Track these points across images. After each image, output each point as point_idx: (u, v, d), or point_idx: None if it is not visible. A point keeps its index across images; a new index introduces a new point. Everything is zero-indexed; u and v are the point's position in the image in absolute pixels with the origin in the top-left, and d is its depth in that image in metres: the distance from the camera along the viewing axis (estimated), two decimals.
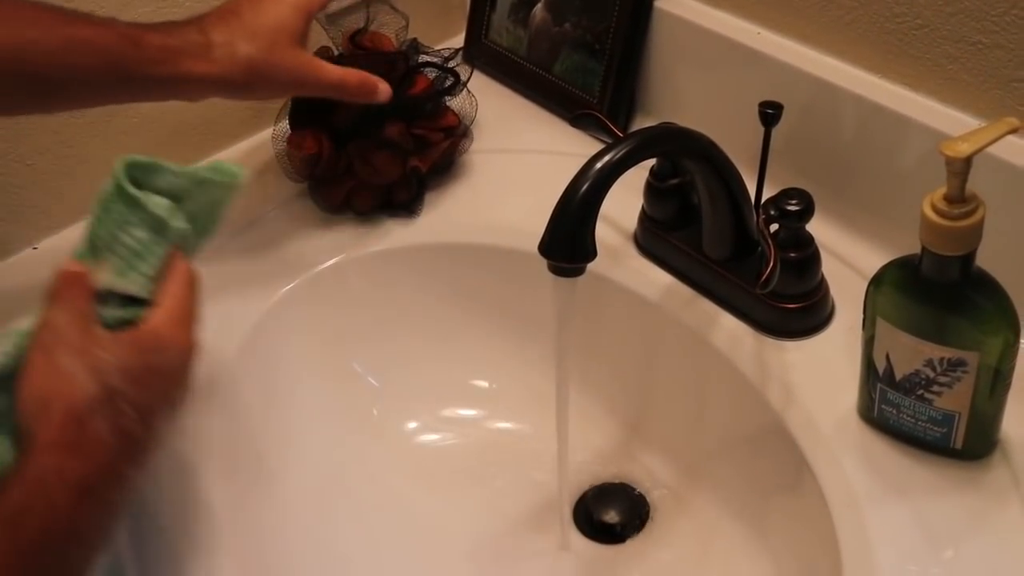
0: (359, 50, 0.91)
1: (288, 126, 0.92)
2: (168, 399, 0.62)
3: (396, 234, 0.91)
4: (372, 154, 0.89)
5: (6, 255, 0.92)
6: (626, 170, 0.68)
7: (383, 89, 0.84)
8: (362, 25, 0.92)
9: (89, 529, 0.56)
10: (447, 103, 0.93)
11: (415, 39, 0.94)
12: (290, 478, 0.84)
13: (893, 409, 0.69)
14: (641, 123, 0.98)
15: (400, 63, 0.89)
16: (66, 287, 0.62)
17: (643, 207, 0.86)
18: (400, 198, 0.92)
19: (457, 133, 0.94)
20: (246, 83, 0.78)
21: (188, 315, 0.65)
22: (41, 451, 0.55)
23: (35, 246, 0.93)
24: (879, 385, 0.69)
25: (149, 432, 0.60)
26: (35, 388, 0.57)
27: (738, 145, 0.78)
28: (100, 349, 0.59)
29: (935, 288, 0.63)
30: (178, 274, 0.66)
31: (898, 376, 0.67)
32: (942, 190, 0.60)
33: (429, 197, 0.94)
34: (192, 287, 0.66)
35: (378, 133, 0.88)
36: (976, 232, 0.60)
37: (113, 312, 0.63)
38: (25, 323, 0.62)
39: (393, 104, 0.85)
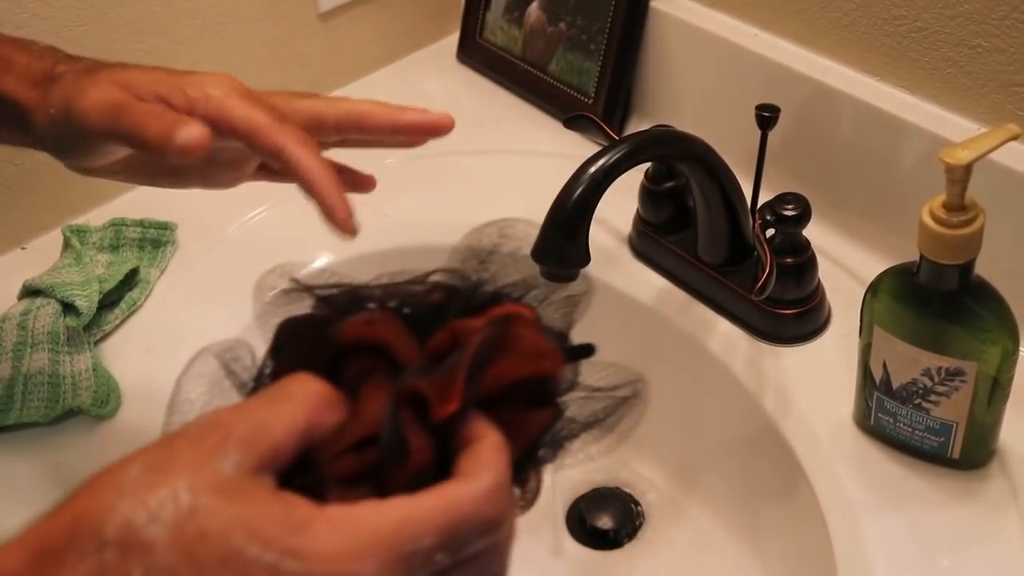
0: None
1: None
2: None
3: (385, 236, 0.90)
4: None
5: None
6: (621, 174, 0.67)
7: (444, 123, 0.59)
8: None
9: None
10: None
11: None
12: None
13: (890, 418, 0.68)
14: (636, 124, 0.98)
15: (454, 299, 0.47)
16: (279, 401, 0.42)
17: (638, 210, 0.85)
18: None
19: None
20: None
21: (414, 542, 0.38)
22: (16, 548, 0.40)
23: (23, 246, 0.92)
24: (876, 393, 0.68)
25: None
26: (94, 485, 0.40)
27: (734, 148, 0.77)
28: (188, 483, 0.38)
29: (933, 296, 0.63)
30: None
31: (895, 385, 0.66)
32: (941, 198, 0.59)
33: (419, 197, 0.93)
34: None
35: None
36: (976, 240, 0.60)
37: None
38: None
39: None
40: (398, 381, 0.41)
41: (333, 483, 0.39)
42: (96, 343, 0.81)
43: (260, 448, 0.38)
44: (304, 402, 0.40)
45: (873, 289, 0.66)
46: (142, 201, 0.91)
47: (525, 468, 0.45)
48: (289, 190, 0.99)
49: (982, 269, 0.62)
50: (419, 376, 0.41)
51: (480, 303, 0.45)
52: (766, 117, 0.76)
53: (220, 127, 0.56)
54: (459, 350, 0.42)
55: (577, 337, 0.80)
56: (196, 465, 0.37)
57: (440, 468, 0.41)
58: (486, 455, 0.40)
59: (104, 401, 0.77)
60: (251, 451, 0.38)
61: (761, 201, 0.77)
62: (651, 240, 0.85)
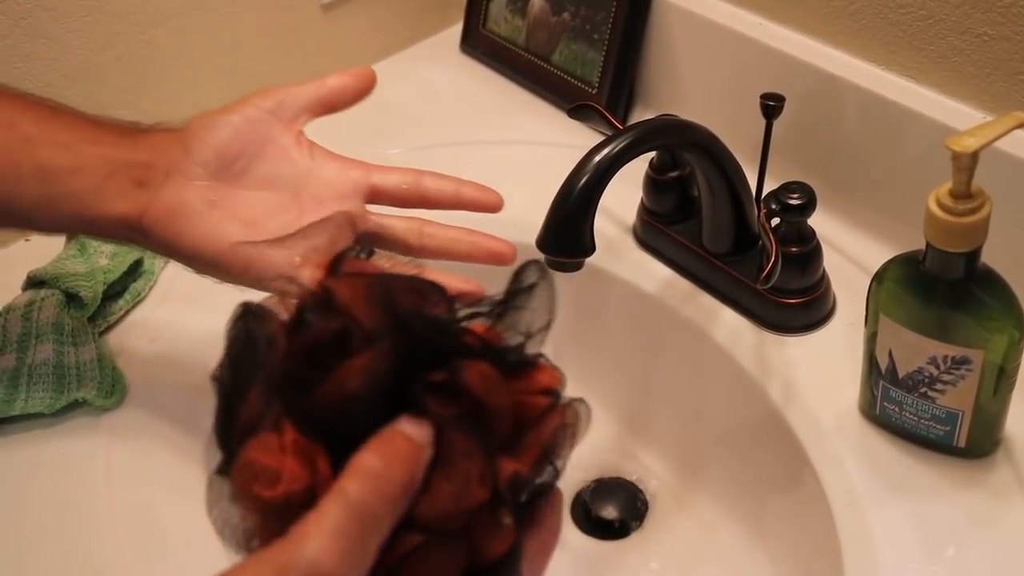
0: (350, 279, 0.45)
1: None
2: None
3: None
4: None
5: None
6: (626, 163, 0.67)
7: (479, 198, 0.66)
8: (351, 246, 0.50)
9: None
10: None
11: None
12: None
13: (895, 407, 0.68)
14: (640, 114, 0.97)
15: (434, 294, 0.44)
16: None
17: (642, 200, 0.85)
18: (490, 551, 0.42)
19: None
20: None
21: None
22: None
23: (27, 238, 0.92)
24: (881, 382, 0.68)
25: None
26: None
27: (739, 137, 0.77)
28: None
29: (939, 285, 0.62)
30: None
31: (901, 373, 0.66)
32: (947, 185, 0.59)
33: None
34: None
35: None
36: (982, 228, 0.59)
37: None
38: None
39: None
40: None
41: None
42: (101, 334, 0.81)
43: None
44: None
45: (879, 278, 0.66)
46: None
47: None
48: None
49: (988, 257, 0.62)
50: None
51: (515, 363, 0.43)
52: (771, 106, 0.75)
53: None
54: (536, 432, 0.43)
55: (582, 327, 0.80)
56: None
57: None
58: None
59: (109, 392, 0.77)
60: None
61: (766, 190, 0.76)
62: (656, 230, 0.84)
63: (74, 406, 0.77)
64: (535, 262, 0.45)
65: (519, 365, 0.43)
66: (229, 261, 0.60)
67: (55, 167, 0.61)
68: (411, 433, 0.39)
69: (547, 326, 0.45)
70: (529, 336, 0.44)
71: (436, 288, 0.43)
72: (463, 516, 0.40)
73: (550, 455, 0.43)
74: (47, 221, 0.63)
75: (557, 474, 0.44)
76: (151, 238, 0.62)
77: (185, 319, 0.83)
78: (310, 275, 0.44)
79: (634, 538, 0.83)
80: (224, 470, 0.41)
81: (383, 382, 0.39)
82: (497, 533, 0.41)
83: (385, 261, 0.46)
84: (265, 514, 0.40)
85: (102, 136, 0.63)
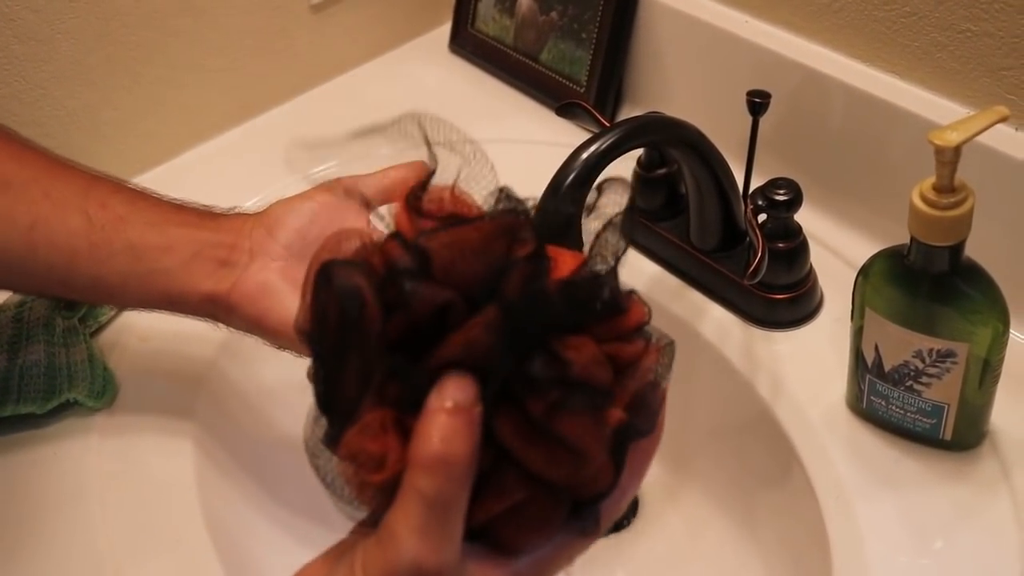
0: (440, 221, 0.43)
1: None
2: None
3: (380, 224, 0.90)
4: (538, 430, 0.41)
5: None
6: (613, 160, 0.67)
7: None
8: (428, 178, 0.45)
9: None
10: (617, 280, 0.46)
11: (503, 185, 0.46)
12: (287, 485, 0.83)
13: (882, 400, 0.69)
14: (628, 112, 0.98)
15: (525, 231, 0.42)
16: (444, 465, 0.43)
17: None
18: (592, 491, 0.42)
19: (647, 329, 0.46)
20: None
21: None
22: None
23: None
24: (868, 376, 0.68)
25: None
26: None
27: (726, 134, 0.77)
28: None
29: (924, 278, 0.63)
30: None
31: (887, 367, 0.67)
32: (931, 180, 0.59)
33: None
34: None
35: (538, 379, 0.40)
36: (965, 222, 0.60)
37: None
38: None
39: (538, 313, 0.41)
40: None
41: None
42: (92, 335, 0.81)
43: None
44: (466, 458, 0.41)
45: (864, 272, 0.66)
46: None
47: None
48: (286, 180, 0.99)
49: (972, 251, 0.62)
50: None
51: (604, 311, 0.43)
52: (757, 103, 0.76)
53: None
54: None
55: None
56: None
57: None
58: None
59: (100, 392, 0.77)
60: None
61: (753, 187, 0.77)
62: (644, 227, 0.85)
63: (65, 406, 0.77)
64: (618, 179, 0.45)
65: (615, 312, 0.43)
66: None
67: (145, 245, 0.65)
68: (458, 399, 0.39)
69: (627, 246, 0.45)
70: (617, 260, 0.44)
71: (524, 224, 0.42)
72: (578, 478, 0.41)
73: (648, 396, 0.43)
74: (133, 297, 0.67)
75: (656, 413, 0.44)
76: (237, 313, 0.65)
77: (175, 318, 0.83)
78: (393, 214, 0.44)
79: (625, 533, 0.84)
80: (329, 442, 0.41)
81: (485, 356, 0.39)
82: (601, 476, 0.42)
83: (443, 191, 0.45)
84: (374, 492, 0.41)
85: (186, 217, 0.67)
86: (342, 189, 0.67)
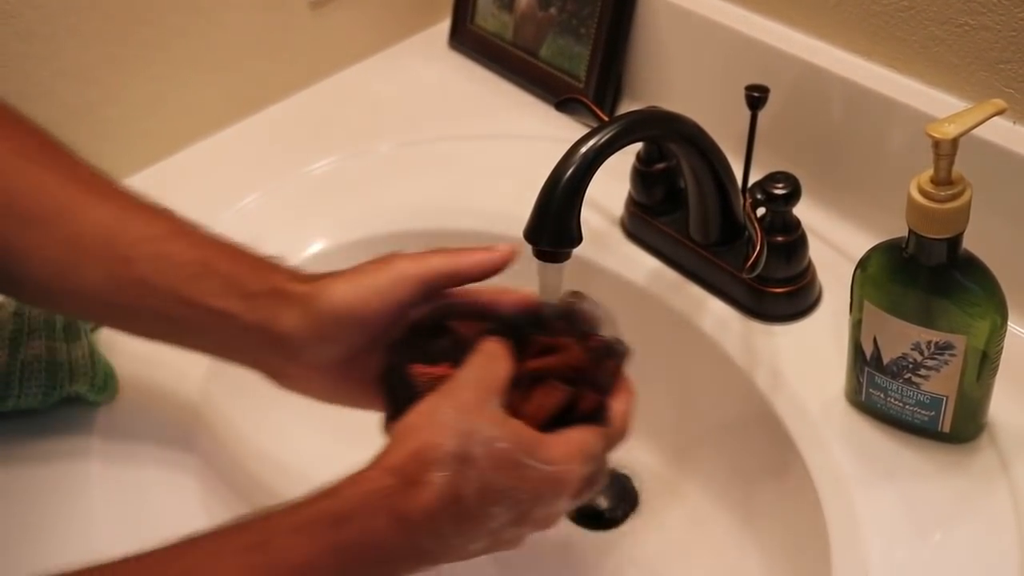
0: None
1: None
2: (515, 508, 0.57)
3: (379, 220, 0.91)
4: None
5: None
6: (612, 154, 0.68)
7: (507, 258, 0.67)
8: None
9: (395, 559, 0.56)
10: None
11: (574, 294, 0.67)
12: (292, 470, 0.83)
13: (881, 393, 0.69)
14: (627, 107, 0.98)
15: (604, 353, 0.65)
16: (491, 359, 0.61)
17: (630, 192, 0.86)
18: (584, 406, 0.64)
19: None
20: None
21: (592, 454, 0.60)
22: (379, 469, 0.56)
23: None
24: (867, 369, 0.69)
25: (477, 517, 0.56)
26: (409, 420, 0.58)
27: (724, 129, 0.77)
28: (483, 419, 0.57)
29: (922, 271, 0.63)
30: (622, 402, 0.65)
31: (886, 360, 0.67)
32: (929, 172, 0.60)
33: (413, 183, 0.93)
34: (621, 428, 0.64)
35: None
36: (963, 214, 0.60)
37: None
38: None
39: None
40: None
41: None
42: (93, 330, 0.81)
43: (498, 391, 0.59)
44: (507, 357, 0.60)
45: (863, 265, 0.66)
46: (135, 188, 0.91)
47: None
48: (282, 178, 1.00)
49: (970, 244, 0.63)
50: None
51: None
52: (756, 97, 0.76)
53: None
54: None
55: None
56: (480, 407, 0.57)
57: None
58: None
59: (101, 387, 0.77)
60: (497, 395, 0.58)
61: (751, 181, 0.77)
62: (643, 221, 0.85)
63: (67, 401, 0.77)
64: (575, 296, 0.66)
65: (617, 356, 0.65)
66: None
67: (169, 316, 0.67)
68: (493, 347, 0.61)
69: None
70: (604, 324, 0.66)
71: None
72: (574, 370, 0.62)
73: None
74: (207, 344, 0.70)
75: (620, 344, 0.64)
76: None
77: None
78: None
79: (626, 527, 0.84)
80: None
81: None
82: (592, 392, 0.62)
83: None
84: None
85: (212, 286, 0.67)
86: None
